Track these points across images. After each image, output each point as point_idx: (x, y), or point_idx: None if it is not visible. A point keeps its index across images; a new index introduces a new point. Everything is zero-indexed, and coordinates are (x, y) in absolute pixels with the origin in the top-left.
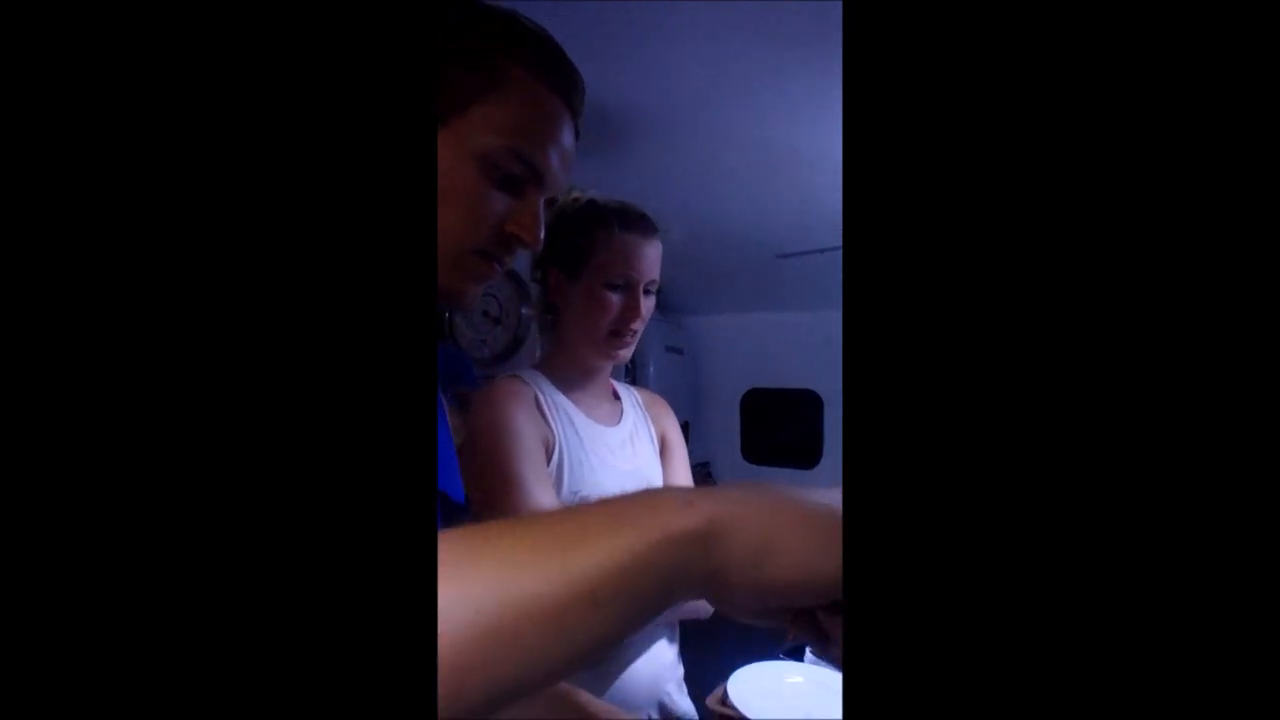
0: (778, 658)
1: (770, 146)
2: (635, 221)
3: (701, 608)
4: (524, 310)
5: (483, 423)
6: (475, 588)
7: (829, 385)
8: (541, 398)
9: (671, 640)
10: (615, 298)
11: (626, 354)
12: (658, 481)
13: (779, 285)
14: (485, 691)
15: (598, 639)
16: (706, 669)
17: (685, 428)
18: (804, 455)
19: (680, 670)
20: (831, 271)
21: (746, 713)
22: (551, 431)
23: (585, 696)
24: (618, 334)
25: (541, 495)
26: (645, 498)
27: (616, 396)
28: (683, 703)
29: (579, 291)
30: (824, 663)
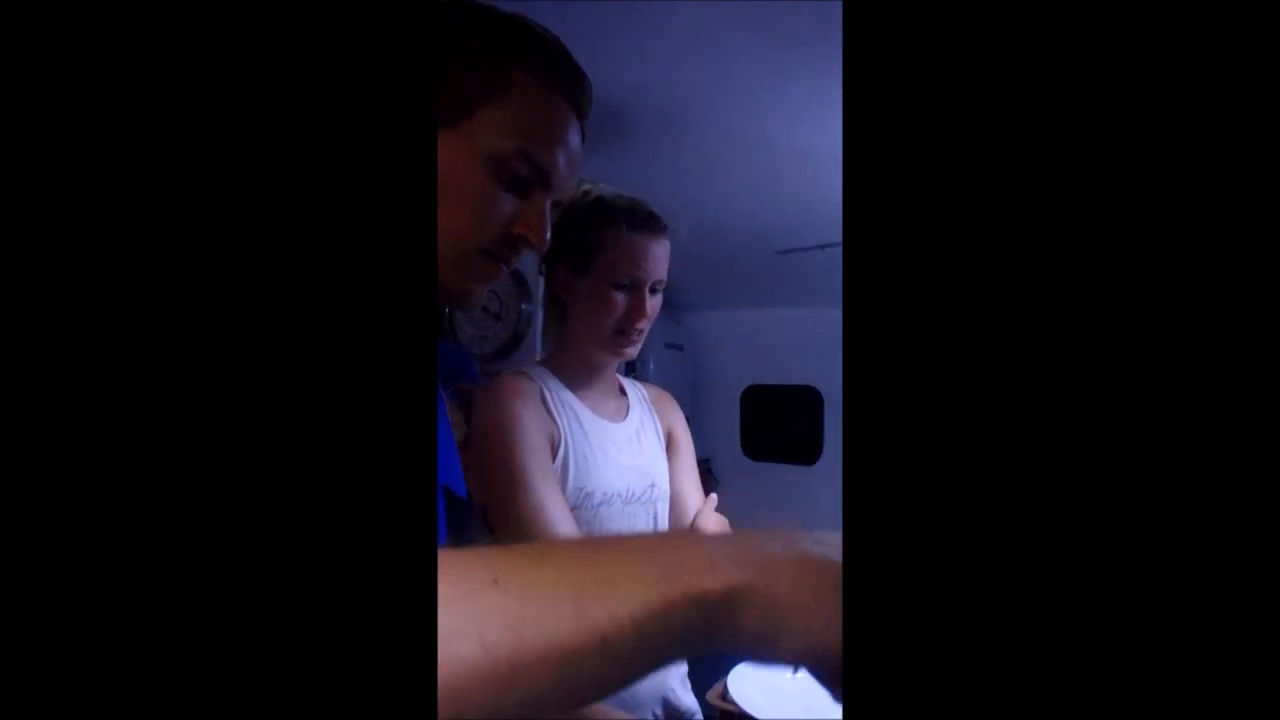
0: None
1: (770, 144)
2: (643, 221)
3: None
4: (524, 307)
5: (488, 419)
6: (487, 621)
7: (829, 381)
8: (547, 393)
9: None
10: (621, 297)
11: (633, 351)
12: (663, 478)
13: (779, 281)
14: None
15: (604, 683)
16: (709, 664)
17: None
18: (804, 451)
19: (684, 666)
20: (832, 268)
21: (747, 708)
22: (557, 427)
23: None
24: (623, 332)
25: (547, 491)
26: (670, 548)
27: (623, 392)
28: (686, 699)
29: (585, 289)
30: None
